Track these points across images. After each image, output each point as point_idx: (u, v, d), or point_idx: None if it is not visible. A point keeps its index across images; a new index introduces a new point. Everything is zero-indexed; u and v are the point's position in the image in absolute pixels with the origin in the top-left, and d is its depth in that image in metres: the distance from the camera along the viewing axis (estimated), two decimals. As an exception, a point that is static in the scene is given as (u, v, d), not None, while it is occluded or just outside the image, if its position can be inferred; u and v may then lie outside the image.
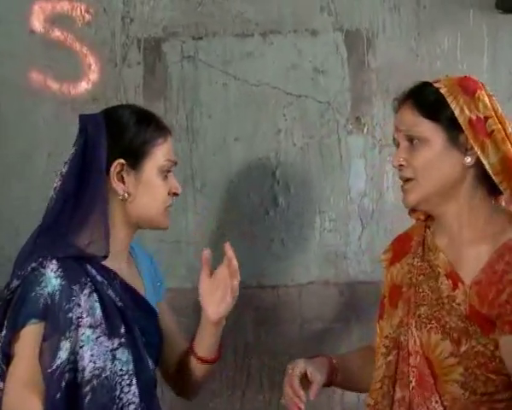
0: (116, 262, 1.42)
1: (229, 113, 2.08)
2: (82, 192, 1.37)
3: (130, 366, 1.34)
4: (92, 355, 1.29)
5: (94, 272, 1.36)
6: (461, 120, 1.31)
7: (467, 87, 1.34)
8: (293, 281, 2.10)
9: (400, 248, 1.52)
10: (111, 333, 1.32)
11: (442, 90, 1.33)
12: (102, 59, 2.06)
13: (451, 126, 1.32)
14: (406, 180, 1.37)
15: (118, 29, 2.07)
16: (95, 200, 1.37)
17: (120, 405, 1.32)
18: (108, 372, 1.30)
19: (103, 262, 1.38)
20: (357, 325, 2.08)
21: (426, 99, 1.35)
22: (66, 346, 1.27)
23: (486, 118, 1.31)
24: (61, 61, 2.05)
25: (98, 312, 1.32)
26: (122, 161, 1.39)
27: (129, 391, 1.33)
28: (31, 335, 1.27)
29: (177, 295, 1.94)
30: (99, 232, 1.36)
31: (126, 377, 1.33)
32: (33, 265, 1.31)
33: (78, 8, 2.06)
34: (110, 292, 1.37)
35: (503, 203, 1.37)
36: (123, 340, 1.34)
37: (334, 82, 2.07)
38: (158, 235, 1.85)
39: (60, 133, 2.01)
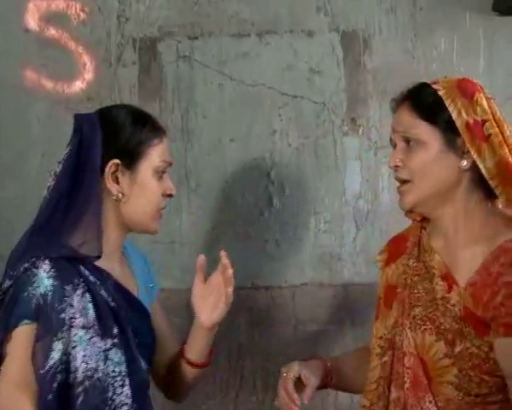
0: (109, 262, 1.41)
1: (224, 113, 2.08)
2: (76, 192, 1.36)
3: (123, 367, 1.33)
4: (85, 356, 1.28)
5: (87, 272, 1.35)
6: (458, 124, 1.30)
7: (465, 89, 1.33)
8: (287, 282, 2.09)
9: (395, 248, 1.51)
10: (104, 334, 1.31)
11: (440, 93, 1.32)
12: (97, 58, 2.06)
13: (449, 129, 1.31)
14: (403, 182, 1.37)
15: (113, 28, 2.06)
16: (89, 200, 1.36)
17: (113, 406, 1.30)
18: (101, 374, 1.29)
19: (96, 262, 1.37)
20: (352, 327, 2.08)
21: (424, 101, 1.34)
22: (58, 347, 1.26)
23: (484, 121, 1.30)
24: (55, 59, 2.04)
25: (91, 312, 1.31)
26: (117, 161, 1.39)
27: (121, 392, 1.32)
28: (23, 335, 1.26)
29: (170, 295, 1.94)
30: (92, 233, 1.35)
31: (119, 378, 1.32)
32: (26, 265, 1.30)
33: (74, 7, 2.05)
34: (103, 292, 1.36)
35: (500, 206, 1.36)
36: (116, 340, 1.33)
37: (329, 83, 2.07)
38: (152, 235, 1.84)
39: (54, 132, 2.00)
